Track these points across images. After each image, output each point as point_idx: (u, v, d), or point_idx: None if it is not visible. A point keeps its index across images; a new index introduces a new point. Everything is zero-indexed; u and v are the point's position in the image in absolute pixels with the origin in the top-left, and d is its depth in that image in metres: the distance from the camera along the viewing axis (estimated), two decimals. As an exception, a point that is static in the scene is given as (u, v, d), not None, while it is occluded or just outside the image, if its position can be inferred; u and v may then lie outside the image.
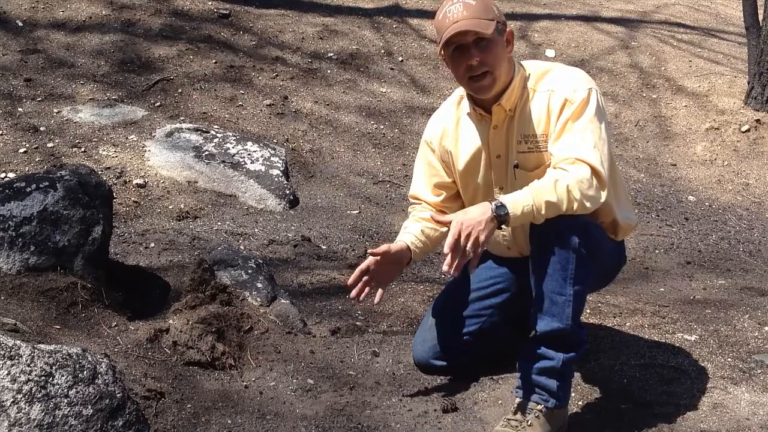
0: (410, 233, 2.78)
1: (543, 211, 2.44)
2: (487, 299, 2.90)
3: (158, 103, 5.35)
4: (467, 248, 2.39)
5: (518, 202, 2.43)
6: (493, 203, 2.43)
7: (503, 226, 2.54)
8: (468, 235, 2.39)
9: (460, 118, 2.76)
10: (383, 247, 2.71)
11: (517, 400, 2.56)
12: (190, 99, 5.47)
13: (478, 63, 2.54)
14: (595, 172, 2.48)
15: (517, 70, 2.64)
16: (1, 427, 2.15)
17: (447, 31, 2.53)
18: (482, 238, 2.39)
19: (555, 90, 2.58)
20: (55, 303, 2.88)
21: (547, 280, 2.49)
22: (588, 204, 2.48)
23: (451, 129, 2.77)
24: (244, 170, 4.73)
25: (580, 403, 2.76)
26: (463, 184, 2.79)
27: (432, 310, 2.96)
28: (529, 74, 2.66)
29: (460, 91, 2.78)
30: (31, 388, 2.22)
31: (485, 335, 2.90)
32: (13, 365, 2.23)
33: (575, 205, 2.46)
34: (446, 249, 2.39)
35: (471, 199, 2.79)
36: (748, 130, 5.89)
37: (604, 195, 2.52)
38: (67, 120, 5.00)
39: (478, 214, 2.42)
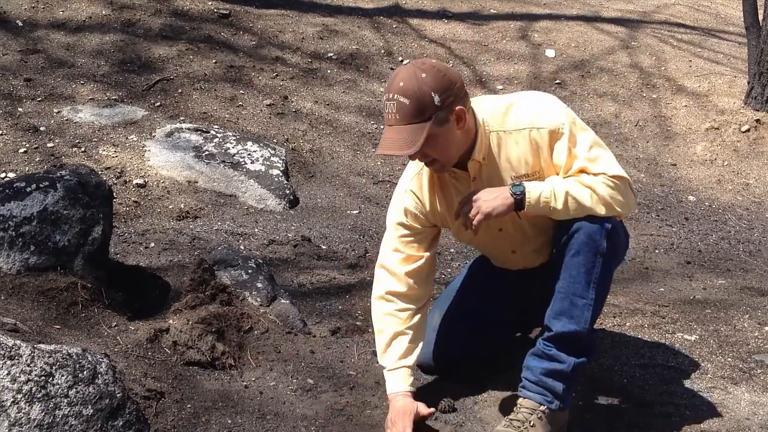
0: (405, 366, 2.65)
1: (562, 202, 2.44)
2: (492, 305, 2.88)
3: (158, 103, 5.35)
4: (470, 213, 2.47)
5: (538, 186, 2.47)
6: (511, 186, 2.48)
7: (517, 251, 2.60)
8: (475, 201, 2.47)
9: (436, 183, 2.65)
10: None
11: (520, 399, 2.56)
12: (190, 99, 5.47)
13: (422, 157, 2.48)
14: (623, 180, 2.50)
15: (478, 123, 2.53)
16: (1, 427, 2.15)
17: (380, 142, 2.46)
18: (487, 210, 2.45)
19: (533, 126, 2.51)
20: (55, 303, 2.88)
21: (570, 282, 2.49)
22: (618, 209, 2.49)
23: (438, 191, 2.66)
24: (244, 170, 4.73)
25: (580, 403, 2.76)
26: (460, 233, 2.74)
27: (435, 312, 2.94)
28: (490, 118, 2.55)
29: (415, 165, 2.69)
30: (31, 388, 2.22)
31: (489, 340, 2.89)
32: (13, 365, 2.23)
33: (602, 206, 2.45)
34: (454, 214, 2.55)
35: (472, 239, 2.77)
36: (748, 130, 5.89)
37: (635, 199, 2.56)
38: (67, 120, 5.00)
39: (494, 189, 2.49)
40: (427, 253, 2.71)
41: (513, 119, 2.54)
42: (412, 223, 2.68)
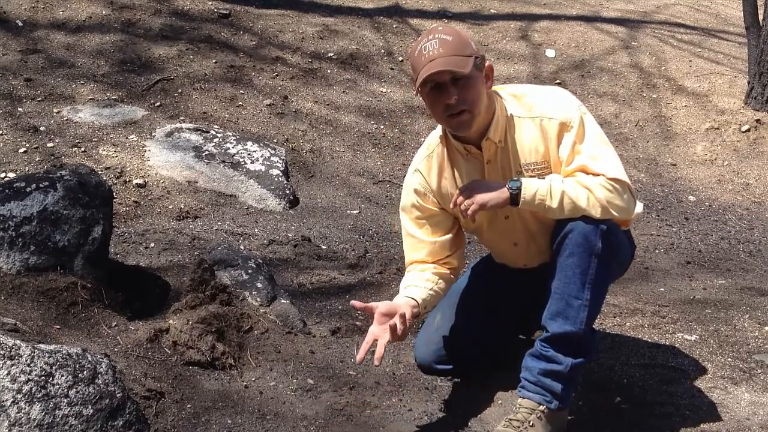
0: (417, 287, 2.67)
1: (558, 201, 2.44)
2: (494, 306, 2.88)
3: (158, 103, 5.35)
4: (464, 204, 2.49)
5: (534, 183, 2.48)
6: (509, 180, 2.50)
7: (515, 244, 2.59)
8: (472, 190, 2.49)
9: (447, 162, 2.66)
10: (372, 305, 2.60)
11: (519, 399, 2.56)
12: (190, 99, 5.48)
13: (456, 101, 2.45)
14: (622, 183, 2.49)
15: (497, 101, 2.57)
16: (1, 427, 2.15)
17: (423, 70, 2.43)
18: (482, 201, 2.48)
19: (544, 116, 2.54)
20: (55, 303, 2.88)
21: (565, 283, 2.49)
22: (615, 213, 2.48)
23: (447, 175, 2.67)
24: (244, 170, 4.73)
25: (580, 402, 2.76)
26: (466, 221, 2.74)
27: (437, 313, 2.93)
28: (507, 101, 2.58)
29: (431, 143, 2.71)
30: (31, 388, 2.22)
31: (491, 340, 2.88)
32: (13, 365, 2.23)
33: (598, 208, 2.45)
34: (452, 203, 2.57)
35: (476, 228, 2.78)
36: (748, 130, 5.89)
37: (636, 205, 2.55)
38: (67, 120, 5.00)
39: (493, 182, 2.52)
40: (438, 239, 2.71)
41: (527, 106, 2.57)
42: (422, 202, 2.71)
